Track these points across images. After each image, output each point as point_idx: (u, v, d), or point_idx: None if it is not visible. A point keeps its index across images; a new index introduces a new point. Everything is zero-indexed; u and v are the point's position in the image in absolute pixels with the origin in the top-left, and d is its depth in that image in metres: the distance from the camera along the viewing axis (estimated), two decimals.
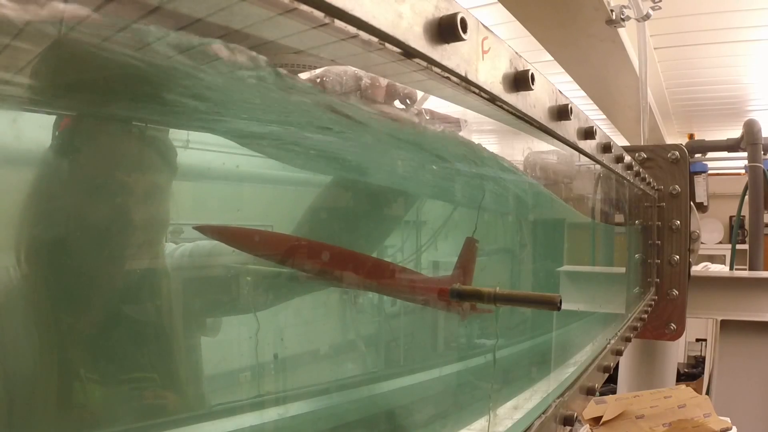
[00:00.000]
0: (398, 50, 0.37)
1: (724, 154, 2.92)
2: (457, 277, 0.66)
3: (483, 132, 0.64)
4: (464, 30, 0.39)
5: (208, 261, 0.53)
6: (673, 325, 1.77)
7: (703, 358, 4.03)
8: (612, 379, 2.11)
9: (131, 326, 0.49)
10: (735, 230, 2.90)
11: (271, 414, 0.58)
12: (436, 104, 0.51)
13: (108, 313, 0.49)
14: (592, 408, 1.58)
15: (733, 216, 3.16)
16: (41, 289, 0.43)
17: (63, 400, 0.44)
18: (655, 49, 2.92)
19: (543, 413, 0.73)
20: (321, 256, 0.57)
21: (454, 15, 0.38)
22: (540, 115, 0.61)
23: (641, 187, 1.49)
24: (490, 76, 0.48)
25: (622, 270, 1.48)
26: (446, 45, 0.40)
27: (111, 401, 0.45)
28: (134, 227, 0.49)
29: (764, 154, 2.50)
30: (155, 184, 0.50)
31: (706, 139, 2.94)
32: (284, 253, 0.54)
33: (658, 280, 1.78)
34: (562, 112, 0.67)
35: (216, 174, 0.50)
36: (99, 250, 0.46)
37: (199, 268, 0.53)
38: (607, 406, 1.59)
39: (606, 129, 1.23)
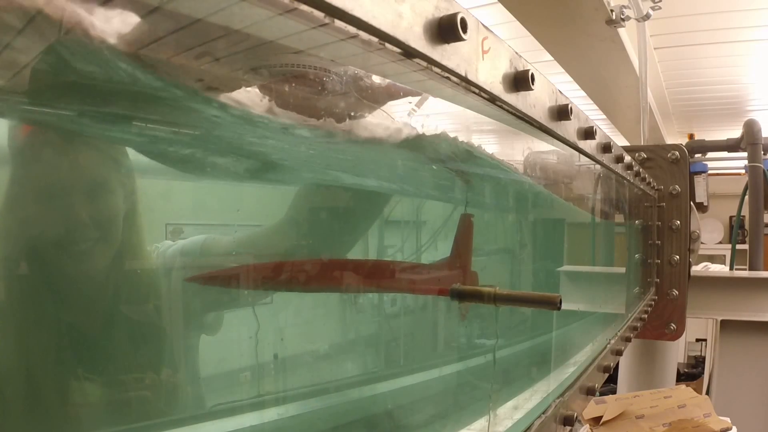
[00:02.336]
0: (398, 50, 0.37)
1: (724, 154, 2.92)
2: (456, 258, 0.66)
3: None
4: (464, 30, 0.39)
5: (199, 258, 0.53)
6: (673, 325, 1.77)
7: (703, 358, 4.03)
8: (612, 379, 2.11)
9: (121, 326, 0.49)
10: (735, 230, 2.90)
11: (270, 414, 0.58)
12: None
13: (95, 313, 0.49)
14: (592, 408, 1.58)
15: (733, 216, 3.16)
16: (16, 292, 0.43)
17: (40, 402, 0.44)
18: (655, 49, 2.92)
19: (543, 413, 0.73)
20: (314, 272, 0.57)
21: (454, 15, 0.38)
22: (540, 115, 0.61)
23: (641, 187, 1.49)
24: (490, 76, 0.48)
25: (622, 270, 1.48)
26: (446, 45, 0.40)
27: (88, 403, 0.45)
28: (99, 229, 0.49)
29: (764, 154, 2.50)
30: (113, 184, 0.50)
31: (706, 139, 2.94)
32: (277, 278, 0.54)
33: (658, 280, 1.78)
34: (562, 112, 0.67)
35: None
36: (71, 255, 0.47)
37: (192, 265, 0.53)
38: (607, 406, 1.59)
39: (606, 129, 1.23)
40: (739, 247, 2.85)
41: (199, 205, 0.54)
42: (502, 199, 0.81)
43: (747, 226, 2.55)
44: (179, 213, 0.53)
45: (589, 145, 0.84)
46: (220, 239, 0.56)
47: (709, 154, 2.87)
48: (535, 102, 0.59)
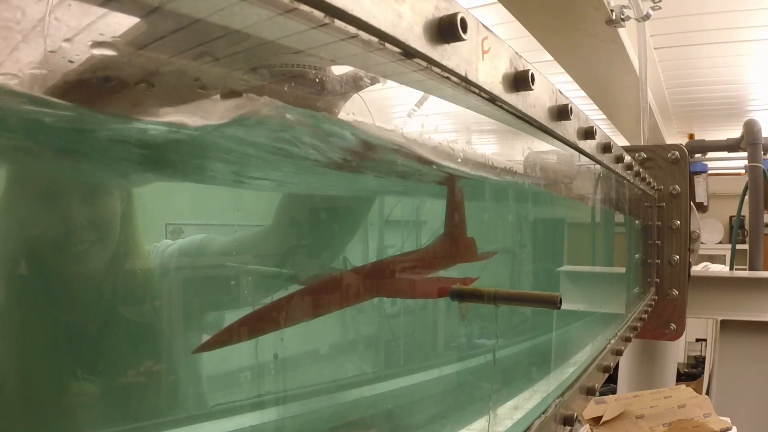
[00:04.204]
0: (398, 50, 0.37)
1: (724, 154, 2.92)
2: (451, 230, 0.66)
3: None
4: (464, 30, 0.39)
5: (197, 257, 0.53)
6: (673, 325, 1.78)
7: (703, 358, 4.03)
8: (612, 379, 2.11)
9: (120, 326, 0.49)
10: (735, 230, 2.91)
11: (270, 414, 0.58)
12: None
13: (93, 314, 0.49)
14: (592, 408, 1.58)
15: (733, 216, 3.16)
16: (12, 293, 0.43)
17: (38, 402, 0.44)
18: (655, 49, 2.92)
19: (543, 413, 0.73)
20: (318, 296, 0.57)
21: (454, 15, 0.38)
22: (540, 115, 0.62)
23: (641, 187, 1.49)
24: (490, 76, 0.48)
25: (622, 270, 1.48)
26: (446, 45, 0.40)
27: (86, 403, 0.45)
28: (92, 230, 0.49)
29: (764, 154, 2.51)
30: (109, 185, 0.50)
31: (706, 139, 2.94)
32: (282, 317, 0.54)
33: (658, 280, 1.78)
34: (562, 112, 0.68)
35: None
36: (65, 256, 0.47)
37: (189, 266, 0.53)
38: (607, 406, 1.59)
39: (606, 129, 1.23)
40: (739, 247, 2.85)
41: (192, 206, 0.54)
42: (483, 197, 0.80)
43: (747, 226, 2.55)
44: (179, 213, 0.53)
45: (589, 145, 0.84)
46: (218, 239, 0.56)
47: (709, 154, 2.88)
48: (535, 102, 0.59)
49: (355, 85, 0.44)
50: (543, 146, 0.76)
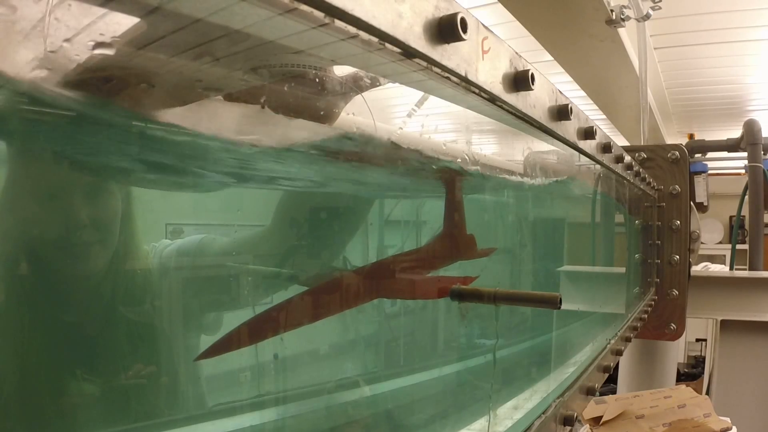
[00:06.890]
0: (398, 50, 0.37)
1: (724, 154, 2.92)
2: (450, 226, 0.66)
3: None
4: (464, 30, 0.39)
5: (196, 257, 0.53)
6: (673, 325, 1.78)
7: (703, 358, 4.04)
8: (612, 379, 2.11)
9: (119, 326, 0.49)
10: (735, 230, 2.90)
11: (270, 414, 0.58)
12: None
13: (93, 314, 0.49)
14: (592, 408, 1.58)
15: (733, 216, 3.16)
16: (12, 292, 0.42)
17: (38, 402, 0.44)
18: (655, 49, 2.92)
19: (543, 413, 0.73)
20: (317, 300, 0.57)
21: (454, 15, 0.38)
22: (540, 115, 0.62)
23: (641, 187, 1.49)
24: (490, 76, 0.48)
25: (622, 270, 1.48)
26: (446, 45, 0.40)
27: (86, 403, 0.45)
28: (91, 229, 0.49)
29: (764, 154, 2.51)
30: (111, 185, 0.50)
31: (706, 139, 2.94)
32: (283, 322, 0.54)
33: (658, 280, 1.78)
34: (562, 112, 0.68)
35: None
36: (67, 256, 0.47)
37: (188, 266, 0.53)
38: (607, 406, 1.59)
39: (606, 129, 1.23)
40: (739, 247, 2.85)
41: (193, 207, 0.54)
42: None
43: (747, 226, 2.55)
44: (178, 213, 0.53)
45: (589, 145, 0.84)
46: (217, 239, 0.56)
47: (709, 154, 2.87)
48: (535, 102, 0.59)
49: (355, 85, 0.44)
50: (543, 146, 0.76)
